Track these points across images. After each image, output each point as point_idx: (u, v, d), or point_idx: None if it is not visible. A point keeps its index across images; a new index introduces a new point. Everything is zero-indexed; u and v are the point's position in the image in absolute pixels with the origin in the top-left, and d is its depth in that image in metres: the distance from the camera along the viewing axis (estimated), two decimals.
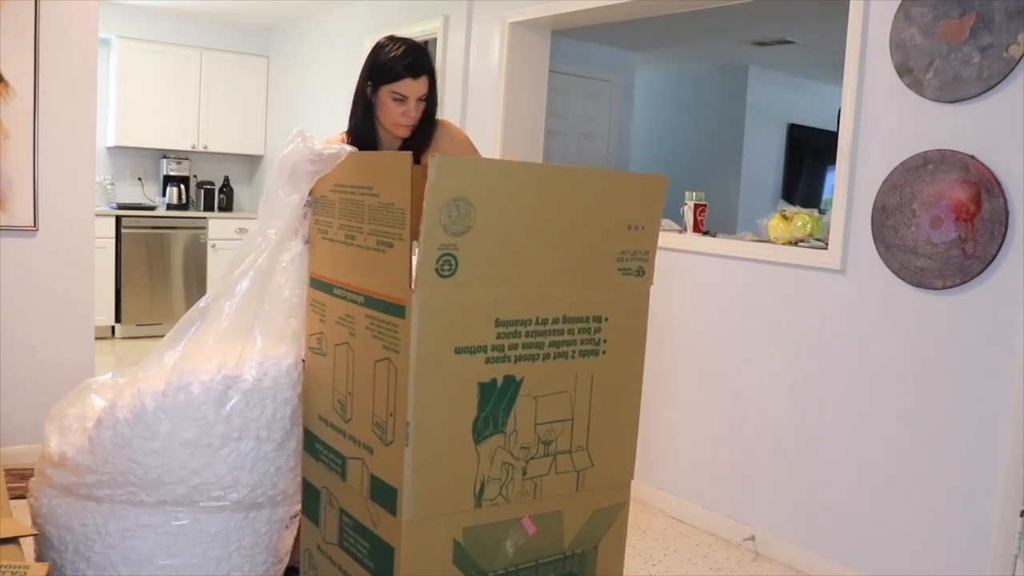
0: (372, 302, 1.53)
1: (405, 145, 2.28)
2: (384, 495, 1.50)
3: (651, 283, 1.69)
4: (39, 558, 1.96)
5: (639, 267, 1.66)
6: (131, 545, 1.81)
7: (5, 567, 1.77)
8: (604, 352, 1.64)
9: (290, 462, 1.88)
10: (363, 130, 2.25)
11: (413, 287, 1.40)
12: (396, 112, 2.17)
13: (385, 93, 2.17)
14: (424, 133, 2.27)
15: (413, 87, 2.15)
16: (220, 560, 1.85)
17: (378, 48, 2.19)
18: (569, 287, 1.57)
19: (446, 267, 1.41)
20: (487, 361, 1.48)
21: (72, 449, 1.87)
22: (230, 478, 1.80)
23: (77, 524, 1.84)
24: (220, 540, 1.84)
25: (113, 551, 1.81)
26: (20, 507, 2.63)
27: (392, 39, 2.20)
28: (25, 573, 1.79)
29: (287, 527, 1.99)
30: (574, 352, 1.59)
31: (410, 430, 1.43)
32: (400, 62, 2.15)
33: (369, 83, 2.20)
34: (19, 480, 3.00)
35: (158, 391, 1.77)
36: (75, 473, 1.86)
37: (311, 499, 1.83)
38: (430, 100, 2.23)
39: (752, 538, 2.99)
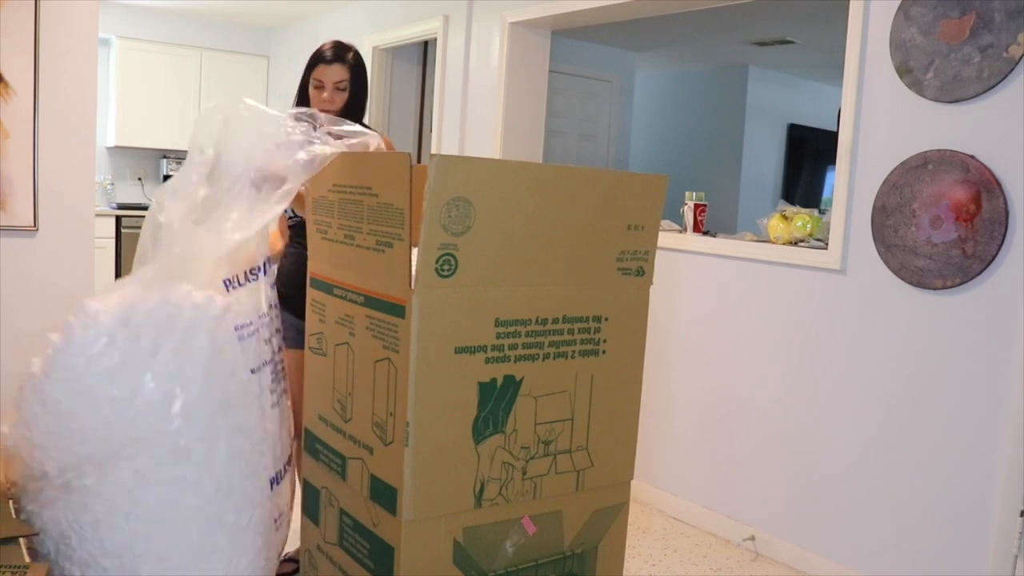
0: (372, 302, 1.53)
1: None
2: (384, 495, 1.50)
3: (651, 283, 1.69)
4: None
5: (639, 267, 1.66)
6: (105, 536, 1.72)
7: (5, 567, 1.77)
8: (604, 352, 1.64)
9: (234, 384, 1.72)
10: None
11: (413, 287, 1.40)
12: (317, 99, 2.41)
13: (311, 82, 2.43)
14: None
15: (327, 72, 2.40)
16: (202, 542, 1.73)
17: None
18: (569, 287, 1.57)
19: (446, 267, 1.41)
20: (487, 361, 1.48)
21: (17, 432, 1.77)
22: (165, 408, 1.65)
23: (51, 524, 1.79)
24: (198, 518, 1.71)
25: (90, 544, 1.73)
26: None
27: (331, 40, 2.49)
28: (25, 573, 1.78)
29: (272, 503, 1.84)
30: (574, 352, 1.59)
31: (410, 430, 1.43)
32: (320, 51, 2.43)
33: (305, 76, 2.47)
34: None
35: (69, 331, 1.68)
36: (28, 464, 1.75)
37: (311, 499, 1.83)
38: (355, 94, 2.44)
39: (752, 538, 2.99)
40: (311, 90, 2.44)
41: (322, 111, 2.39)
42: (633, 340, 1.69)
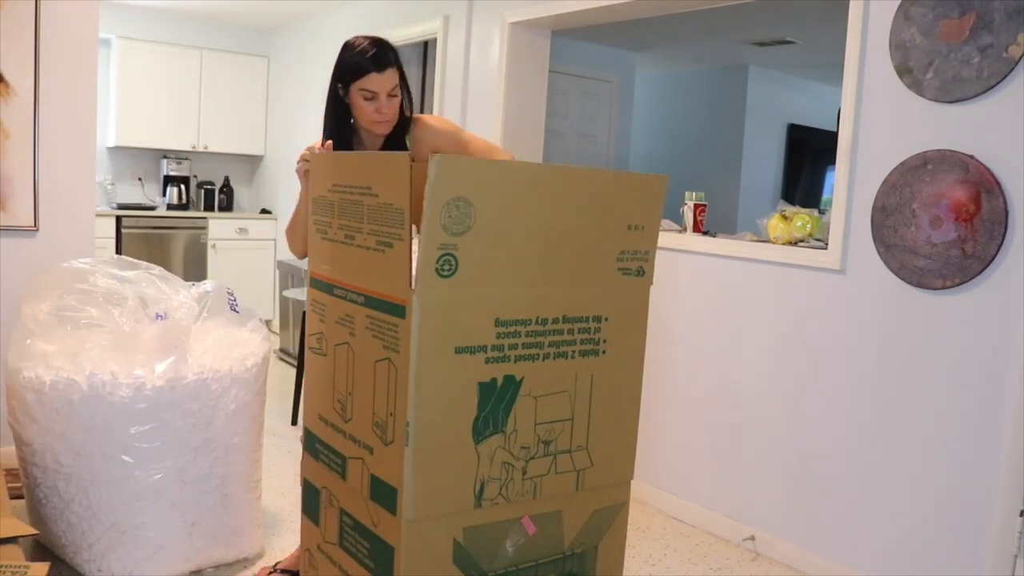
0: (372, 302, 1.53)
1: (387, 145, 2.25)
2: (384, 495, 1.50)
3: (651, 283, 1.69)
4: None
5: (639, 267, 1.66)
6: None
7: (5, 567, 1.77)
8: (604, 352, 1.63)
9: None
10: (342, 135, 2.21)
11: (413, 287, 1.40)
12: (369, 110, 2.14)
13: (355, 92, 2.14)
14: (401, 131, 2.24)
15: (380, 81, 2.11)
16: None
17: (344, 48, 2.17)
18: (569, 287, 1.57)
19: (446, 267, 1.41)
20: (487, 361, 1.48)
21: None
22: None
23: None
24: None
25: None
26: (20, 507, 2.63)
27: (357, 37, 2.18)
28: (25, 573, 1.79)
29: None
30: (574, 352, 1.59)
31: (410, 430, 1.43)
32: (364, 56, 2.11)
33: (340, 85, 2.17)
34: (19, 480, 3.00)
35: None
36: None
37: (311, 499, 1.83)
38: (404, 96, 2.20)
39: (752, 538, 2.99)
40: (360, 101, 2.14)
41: (374, 122, 2.15)
42: (633, 340, 1.69)
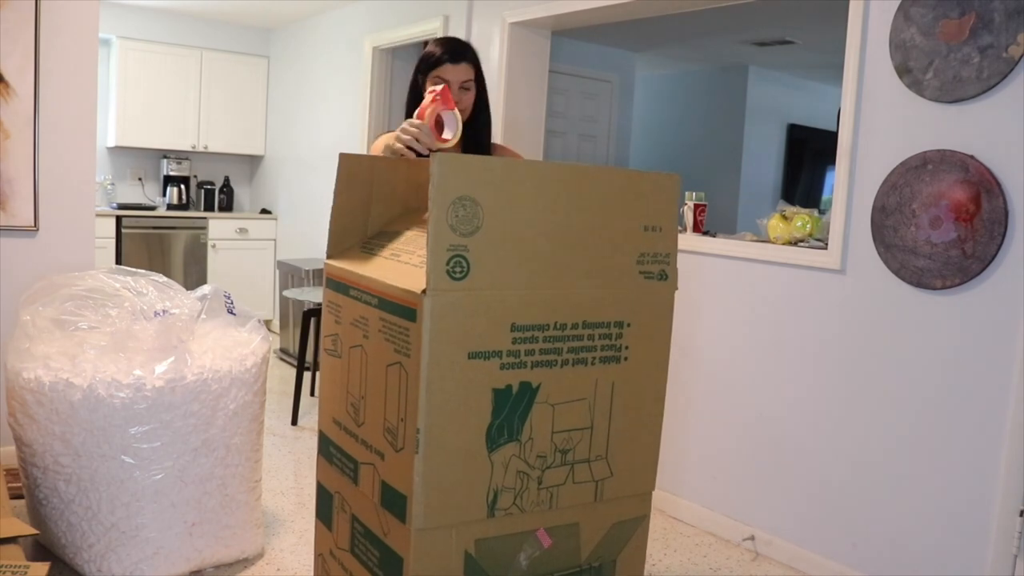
0: (385, 304, 1.50)
1: (466, 147, 2.28)
2: (394, 502, 1.47)
3: (676, 288, 1.63)
4: None
5: (661, 270, 1.60)
6: None
7: (5, 567, 1.77)
8: (626, 359, 1.57)
9: None
10: None
11: (424, 289, 1.37)
12: None
13: (430, 81, 2.22)
14: (476, 128, 2.29)
15: (453, 71, 2.20)
16: None
17: (425, 45, 2.28)
18: (589, 290, 1.52)
19: (457, 268, 1.37)
20: (502, 367, 1.43)
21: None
22: None
23: None
24: None
25: None
26: (20, 507, 2.63)
27: (437, 39, 2.30)
28: (25, 573, 1.79)
29: None
30: (594, 359, 1.54)
31: (420, 436, 1.39)
32: (440, 47, 2.24)
33: (419, 76, 2.26)
34: (19, 480, 3.00)
35: None
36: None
37: (324, 503, 1.79)
38: (482, 96, 2.29)
39: (752, 538, 2.99)
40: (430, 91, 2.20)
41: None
42: (657, 348, 1.62)
